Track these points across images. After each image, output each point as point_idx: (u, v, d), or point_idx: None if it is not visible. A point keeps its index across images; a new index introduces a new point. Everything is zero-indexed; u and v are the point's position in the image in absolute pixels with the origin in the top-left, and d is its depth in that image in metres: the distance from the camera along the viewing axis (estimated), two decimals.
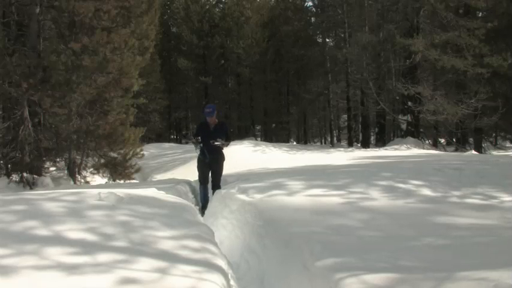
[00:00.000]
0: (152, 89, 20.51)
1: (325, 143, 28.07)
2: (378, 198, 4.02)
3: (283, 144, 17.02)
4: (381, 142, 17.37)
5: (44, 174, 8.52)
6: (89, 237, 2.56)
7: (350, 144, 19.74)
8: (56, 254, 2.28)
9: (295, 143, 25.61)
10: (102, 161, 9.11)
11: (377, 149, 13.64)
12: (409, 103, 14.68)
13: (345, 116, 23.24)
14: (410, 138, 14.57)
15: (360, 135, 19.99)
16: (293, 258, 2.84)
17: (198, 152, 5.90)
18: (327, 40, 24.36)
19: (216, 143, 5.61)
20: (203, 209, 5.58)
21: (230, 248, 3.80)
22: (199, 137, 5.70)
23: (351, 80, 19.38)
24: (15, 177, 8.13)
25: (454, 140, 17.15)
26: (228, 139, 5.88)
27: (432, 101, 13.64)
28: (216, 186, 5.75)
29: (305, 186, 4.46)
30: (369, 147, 17.16)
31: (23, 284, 1.96)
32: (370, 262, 2.44)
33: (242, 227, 3.94)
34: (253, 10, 24.03)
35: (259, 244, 3.44)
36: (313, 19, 24.94)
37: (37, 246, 2.35)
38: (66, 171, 8.91)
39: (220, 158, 5.86)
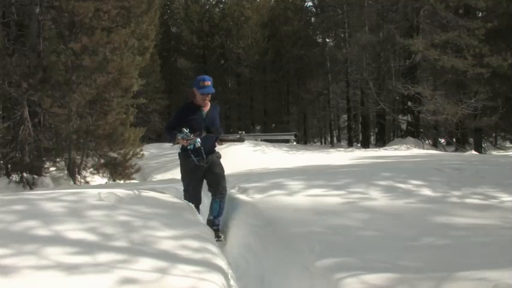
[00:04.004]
0: (152, 89, 20.52)
1: (325, 143, 28.07)
2: (378, 198, 4.02)
3: (283, 144, 17.01)
4: (381, 142, 17.37)
5: (44, 174, 8.53)
6: (89, 237, 2.56)
7: (350, 144, 19.75)
8: (56, 254, 2.28)
9: (295, 143, 25.60)
10: (102, 161, 9.12)
11: (377, 149, 13.64)
12: (409, 103, 14.69)
13: (345, 116, 23.24)
14: (410, 138, 14.58)
15: (360, 135, 19.99)
16: (293, 258, 2.84)
17: (190, 147, 3.68)
18: (327, 40, 24.40)
19: (222, 139, 3.80)
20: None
21: (230, 247, 3.80)
22: (188, 129, 3.58)
23: (351, 80, 19.39)
24: (15, 177, 8.14)
25: (454, 140, 17.17)
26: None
27: (432, 101, 13.64)
28: (222, 193, 3.99)
29: (305, 186, 4.46)
30: (368, 147, 17.16)
31: (23, 284, 1.96)
32: (370, 262, 2.44)
33: (242, 226, 3.93)
34: (253, 10, 24.04)
35: (259, 244, 3.44)
36: (313, 19, 24.96)
37: (37, 246, 2.35)
38: (66, 171, 8.92)
39: (219, 157, 4.02)
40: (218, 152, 4.01)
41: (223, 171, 4.00)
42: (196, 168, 3.80)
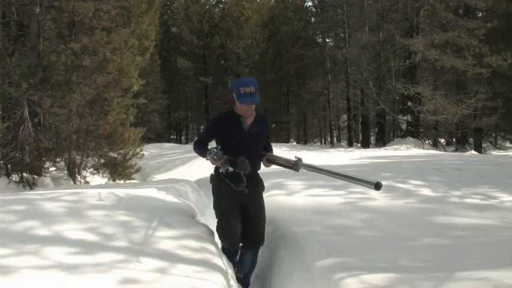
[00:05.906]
0: (152, 89, 20.56)
1: (325, 143, 28.08)
2: (377, 198, 4.02)
3: (283, 144, 17.01)
4: (381, 142, 17.37)
5: (44, 174, 8.52)
6: (89, 237, 2.56)
7: (350, 144, 19.77)
8: (56, 254, 2.28)
9: (295, 143, 25.61)
10: (102, 161, 9.11)
11: (377, 149, 13.64)
12: (409, 103, 14.70)
13: (345, 116, 23.26)
14: (410, 138, 14.59)
15: (360, 135, 19.99)
16: (293, 258, 2.84)
17: (222, 170, 2.74)
18: (327, 40, 24.39)
19: (270, 159, 2.97)
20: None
21: None
22: (219, 147, 2.70)
23: (350, 80, 19.40)
24: (15, 177, 8.13)
25: (454, 140, 17.17)
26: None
27: (432, 101, 13.65)
28: (257, 244, 3.03)
29: (305, 186, 4.46)
30: (368, 147, 17.16)
31: (23, 284, 1.96)
32: (370, 262, 2.44)
33: None
34: (253, 10, 24.04)
35: None
36: (313, 19, 24.96)
37: (37, 246, 2.35)
38: (66, 171, 8.91)
39: (262, 187, 3.10)
40: (262, 180, 3.06)
41: (264, 212, 3.03)
42: (233, 194, 2.84)
